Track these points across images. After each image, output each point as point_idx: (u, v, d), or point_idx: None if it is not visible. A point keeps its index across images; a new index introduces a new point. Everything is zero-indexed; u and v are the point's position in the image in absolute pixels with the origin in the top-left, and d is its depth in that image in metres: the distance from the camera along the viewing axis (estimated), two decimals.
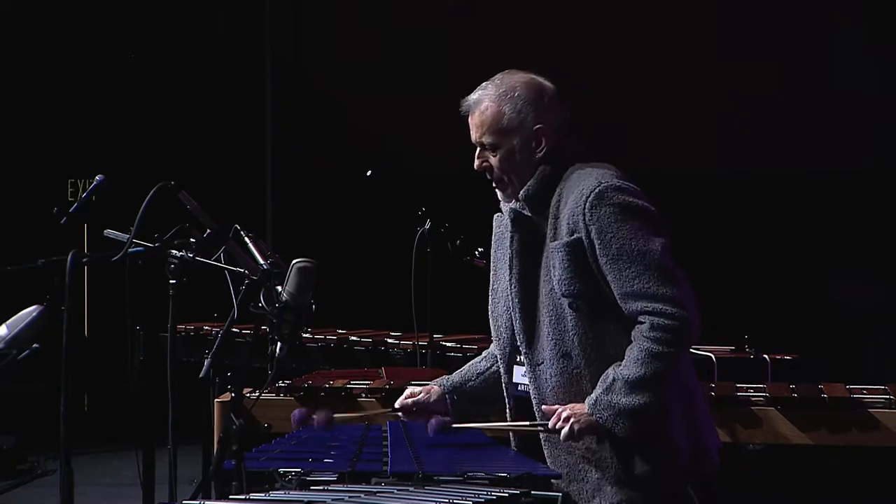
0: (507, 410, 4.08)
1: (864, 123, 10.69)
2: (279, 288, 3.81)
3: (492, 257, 4.08)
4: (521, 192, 3.87)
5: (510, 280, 3.93)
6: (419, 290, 6.57)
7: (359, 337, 7.22)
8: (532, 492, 3.50)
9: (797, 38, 10.64)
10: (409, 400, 4.16)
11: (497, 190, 3.99)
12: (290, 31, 11.61)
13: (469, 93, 4.01)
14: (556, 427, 3.81)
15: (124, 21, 11.09)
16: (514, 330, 3.96)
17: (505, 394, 4.06)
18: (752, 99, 10.60)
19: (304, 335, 6.71)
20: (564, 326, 3.81)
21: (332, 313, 5.94)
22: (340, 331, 7.34)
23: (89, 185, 5.51)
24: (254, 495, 3.42)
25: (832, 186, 10.55)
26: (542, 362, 3.88)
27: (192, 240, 4.39)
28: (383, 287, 7.95)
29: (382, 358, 7.01)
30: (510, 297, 3.94)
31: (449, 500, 3.33)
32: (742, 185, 10.63)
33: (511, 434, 4.10)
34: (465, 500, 3.33)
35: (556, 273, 3.80)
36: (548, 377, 3.88)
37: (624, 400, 3.70)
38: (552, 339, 3.84)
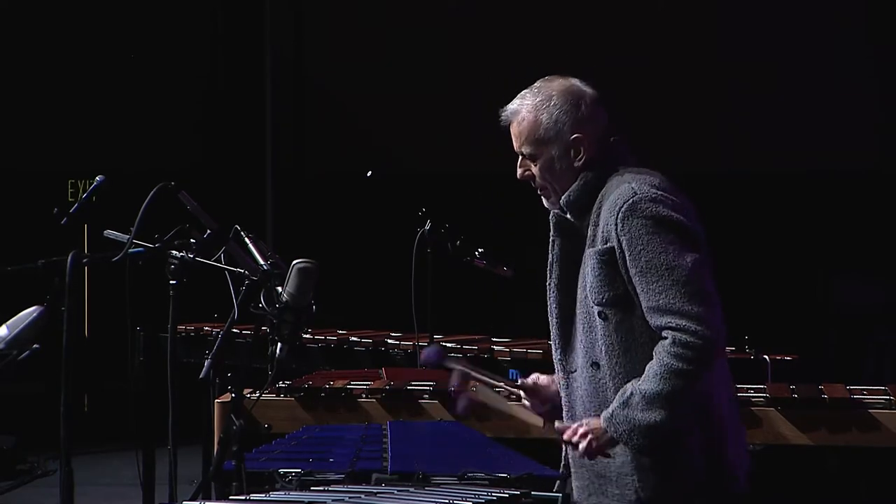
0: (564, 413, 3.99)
1: (865, 123, 10.69)
2: (279, 288, 3.81)
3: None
4: (563, 198, 3.82)
5: (549, 285, 3.89)
6: (419, 291, 6.57)
7: (359, 337, 7.22)
8: (532, 492, 3.50)
9: (797, 38, 10.64)
10: (532, 382, 4.02)
11: (541, 196, 3.91)
12: (290, 31, 11.60)
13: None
14: (574, 442, 3.74)
15: (124, 21, 11.09)
16: None
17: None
18: (752, 99, 10.60)
19: (305, 336, 6.70)
20: (595, 335, 3.77)
21: (332, 314, 5.94)
22: (340, 331, 7.34)
23: (89, 186, 5.51)
24: (254, 496, 3.42)
25: (832, 186, 10.55)
26: (575, 370, 3.84)
27: (192, 240, 4.39)
28: (383, 287, 7.95)
29: (382, 358, 7.00)
30: (548, 302, 3.90)
31: (449, 500, 3.33)
32: (742, 185, 10.62)
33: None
34: (465, 500, 3.33)
35: (589, 281, 3.76)
36: (578, 385, 3.84)
37: (640, 415, 3.64)
38: (584, 348, 3.80)
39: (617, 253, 3.71)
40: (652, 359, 3.67)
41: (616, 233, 3.70)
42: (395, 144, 10.86)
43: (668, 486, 3.73)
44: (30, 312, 4.33)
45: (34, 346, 4.32)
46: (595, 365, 3.77)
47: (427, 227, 6.62)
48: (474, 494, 3.39)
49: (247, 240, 4.19)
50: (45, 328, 4.34)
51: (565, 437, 3.76)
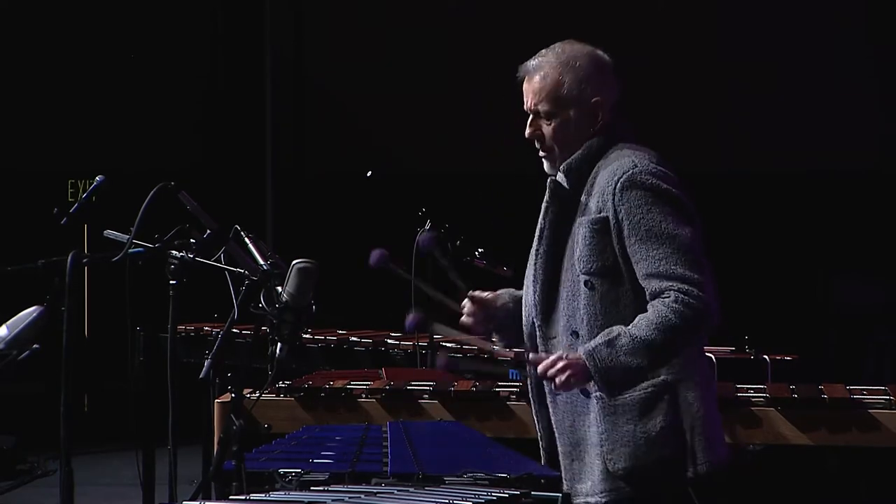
0: (528, 379, 4.02)
1: (865, 123, 10.69)
2: (279, 288, 3.81)
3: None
4: (564, 164, 3.83)
5: (537, 250, 3.90)
6: (419, 291, 6.57)
7: (359, 337, 7.22)
8: (532, 492, 3.50)
9: (797, 38, 10.64)
10: (479, 294, 4.06)
11: (543, 159, 3.91)
12: (290, 31, 11.60)
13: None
14: (550, 374, 3.75)
15: (124, 21, 11.09)
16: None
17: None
18: (752, 99, 10.60)
19: (305, 336, 6.70)
20: (577, 304, 3.79)
21: (332, 314, 5.94)
22: (340, 331, 7.33)
23: (89, 186, 5.51)
24: (254, 496, 3.42)
25: (832, 186, 10.55)
26: (555, 336, 3.86)
27: (192, 240, 4.39)
28: (383, 287, 7.95)
29: (382, 358, 7.00)
30: (534, 266, 3.90)
31: (449, 500, 3.33)
32: (742, 185, 10.63)
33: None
34: (465, 501, 3.33)
35: (578, 249, 3.78)
36: (557, 352, 3.83)
37: (624, 357, 3.67)
38: (566, 315, 3.82)
39: (611, 223, 3.73)
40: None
41: (613, 202, 3.73)
42: (395, 144, 10.86)
43: (636, 461, 3.76)
44: (30, 312, 4.34)
45: (34, 346, 4.33)
46: (574, 334, 3.80)
47: (427, 227, 6.62)
48: (474, 494, 3.39)
49: (247, 240, 4.19)
50: (45, 328, 4.34)
51: (540, 368, 3.78)
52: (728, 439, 5.14)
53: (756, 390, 5.37)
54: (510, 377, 6.64)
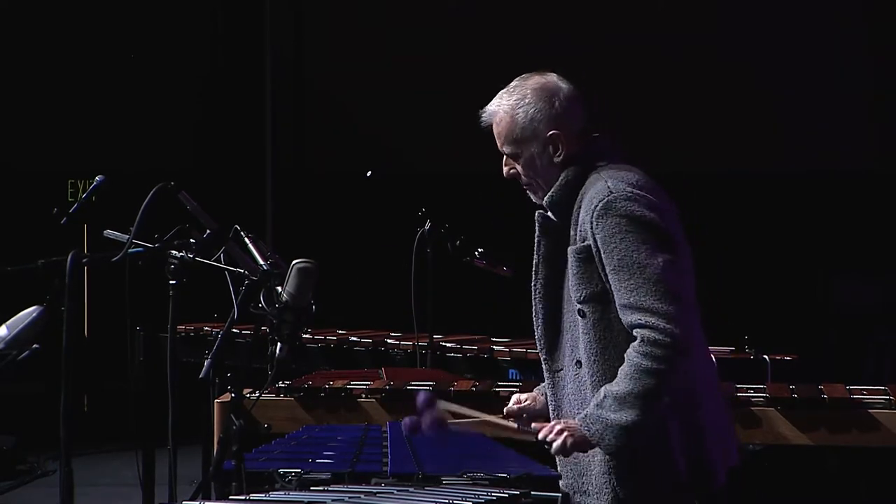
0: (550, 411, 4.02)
1: (864, 124, 10.69)
2: (279, 288, 3.81)
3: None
4: (546, 198, 3.85)
5: (535, 285, 3.91)
6: (419, 291, 6.57)
7: (359, 337, 7.22)
8: (532, 492, 3.50)
9: (797, 38, 10.64)
10: (516, 406, 4.05)
11: (530, 194, 3.94)
12: (290, 31, 11.60)
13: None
14: (549, 439, 3.76)
15: (124, 21, 11.09)
16: None
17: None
18: (752, 99, 10.60)
19: (304, 336, 6.71)
20: (577, 333, 3.80)
21: (332, 313, 5.94)
22: (340, 331, 7.33)
23: (89, 185, 5.51)
24: (254, 496, 3.42)
25: (832, 186, 10.55)
26: (561, 369, 3.86)
27: (192, 240, 4.39)
28: (383, 287, 7.95)
29: (382, 358, 7.00)
30: (533, 302, 3.92)
31: (449, 500, 3.33)
32: (742, 185, 10.63)
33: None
34: (465, 501, 3.33)
35: (570, 279, 3.79)
36: (565, 384, 3.86)
37: (613, 416, 3.65)
38: (569, 346, 3.83)
39: (593, 250, 3.73)
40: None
41: (591, 231, 3.73)
42: (395, 144, 10.86)
43: (646, 486, 3.75)
44: (30, 312, 4.34)
45: (34, 346, 4.33)
46: (578, 363, 3.80)
47: (427, 227, 6.62)
48: (474, 494, 3.39)
49: (246, 240, 4.19)
50: (45, 328, 4.34)
51: (540, 435, 3.78)
52: None
53: (756, 390, 5.37)
54: (510, 377, 6.65)
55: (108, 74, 10.98)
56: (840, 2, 10.81)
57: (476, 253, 6.64)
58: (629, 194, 3.72)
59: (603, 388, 3.71)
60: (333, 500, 3.31)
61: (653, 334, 3.62)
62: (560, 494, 3.70)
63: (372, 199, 9.98)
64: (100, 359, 9.91)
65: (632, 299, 3.66)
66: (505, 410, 4.05)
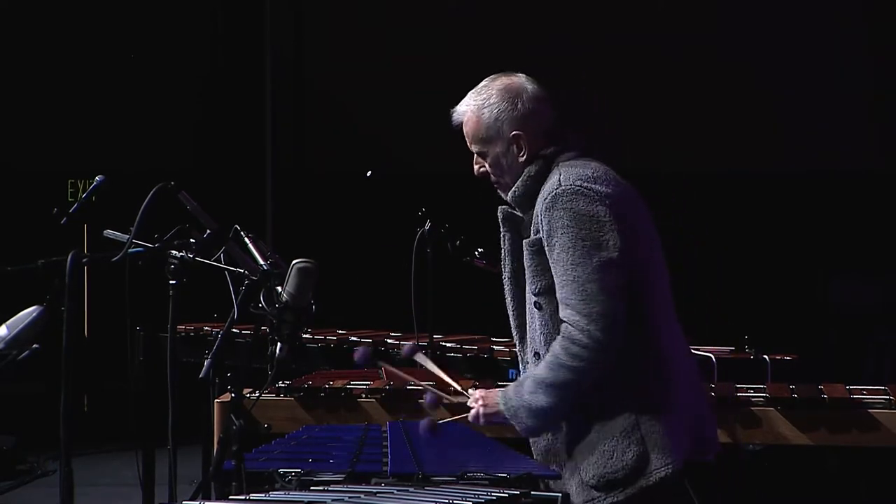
0: None
1: (864, 123, 10.69)
2: (279, 288, 3.81)
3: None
4: (510, 194, 3.95)
5: (503, 279, 4.02)
6: (419, 291, 6.57)
7: (359, 337, 7.22)
8: (532, 492, 3.51)
9: (797, 38, 10.64)
10: None
11: (499, 191, 4.04)
12: (290, 31, 11.60)
13: (462, 95, 4.10)
14: (468, 405, 3.97)
15: (124, 21, 11.09)
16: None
17: None
18: (753, 99, 10.60)
19: (304, 335, 6.71)
20: (535, 325, 3.90)
21: (332, 313, 5.94)
22: (340, 331, 7.33)
23: (89, 185, 5.51)
24: (254, 496, 3.42)
25: (832, 186, 10.55)
26: (528, 361, 3.99)
27: (192, 240, 4.39)
28: (383, 287, 7.95)
29: (382, 358, 6.99)
30: (505, 296, 4.03)
31: (449, 500, 3.33)
32: (742, 185, 10.62)
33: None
34: (465, 501, 3.33)
35: (526, 272, 3.88)
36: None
37: (528, 397, 3.81)
38: (530, 337, 3.96)
39: (544, 242, 3.79)
40: None
41: (540, 222, 3.82)
42: (395, 144, 10.86)
43: (602, 470, 3.85)
44: (30, 312, 4.34)
45: (34, 346, 4.33)
46: (536, 355, 3.93)
47: (427, 227, 6.62)
48: (474, 494, 3.39)
49: (246, 240, 4.19)
50: (45, 328, 4.34)
51: (468, 402, 3.97)
52: (728, 439, 5.16)
53: (756, 390, 5.37)
54: (510, 377, 6.65)
55: (108, 74, 10.98)
56: (840, 2, 10.81)
57: (476, 253, 6.64)
58: (577, 188, 3.79)
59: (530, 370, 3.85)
60: (333, 500, 3.31)
61: (574, 332, 3.74)
62: (560, 494, 3.70)
63: (372, 199, 9.98)
64: (100, 359, 9.91)
65: (562, 294, 3.77)
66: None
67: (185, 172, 10.14)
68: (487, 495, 3.38)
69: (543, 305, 3.84)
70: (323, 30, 11.47)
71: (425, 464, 3.84)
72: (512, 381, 6.33)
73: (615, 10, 10.76)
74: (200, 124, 11.57)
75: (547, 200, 3.80)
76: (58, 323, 4.17)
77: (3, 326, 4.32)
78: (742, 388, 5.35)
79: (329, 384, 5.65)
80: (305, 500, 3.34)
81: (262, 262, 4.01)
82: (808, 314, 10.60)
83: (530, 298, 3.89)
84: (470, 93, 4.03)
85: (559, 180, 3.81)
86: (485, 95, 3.98)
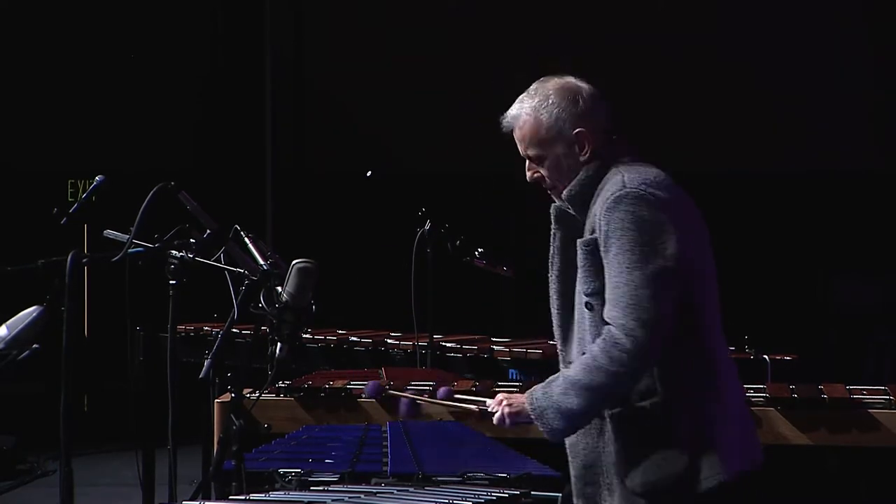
0: None
1: (864, 123, 10.69)
2: (279, 288, 3.81)
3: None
4: (565, 192, 3.85)
5: (550, 277, 3.92)
6: (419, 291, 6.57)
7: (359, 337, 7.22)
8: (532, 492, 3.51)
9: (797, 38, 10.64)
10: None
11: (553, 196, 3.93)
12: (290, 31, 11.60)
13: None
14: (491, 410, 3.83)
15: (124, 21, 11.09)
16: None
17: None
18: (753, 99, 10.60)
19: (304, 335, 6.71)
20: (585, 326, 3.81)
21: (332, 313, 5.94)
22: (340, 331, 7.33)
23: (89, 185, 5.51)
24: (254, 496, 3.42)
25: (832, 186, 10.56)
26: (572, 360, 3.86)
27: (192, 240, 4.39)
28: (383, 287, 7.95)
29: (382, 358, 7.00)
30: (551, 294, 3.93)
31: (449, 500, 3.33)
32: (742, 185, 10.62)
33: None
34: (465, 500, 3.33)
35: (579, 271, 3.80)
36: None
37: (558, 396, 3.69)
38: (578, 337, 3.84)
39: (600, 243, 3.74)
40: None
41: (599, 222, 3.74)
42: (395, 144, 10.86)
43: (649, 478, 3.74)
44: (30, 312, 4.34)
45: (34, 346, 4.33)
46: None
47: (427, 227, 6.62)
48: (474, 494, 3.39)
49: (246, 240, 4.19)
50: (45, 328, 4.34)
51: (490, 408, 3.84)
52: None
53: (756, 390, 5.37)
54: (510, 377, 6.65)
55: (108, 74, 10.98)
56: (840, 2, 10.81)
57: (476, 253, 6.65)
58: (640, 192, 3.73)
59: (561, 370, 3.76)
60: (333, 500, 3.31)
61: (618, 335, 3.65)
62: (560, 494, 3.70)
63: (372, 199, 9.98)
64: (100, 359, 9.91)
65: (611, 295, 3.68)
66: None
67: (185, 172, 10.13)
68: (487, 495, 3.38)
69: (595, 306, 3.75)
70: (323, 30, 11.47)
71: (425, 464, 3.84)
72: (512, 380, 6.34)
73: (615, 10, 10.76)
74: (200, 124, 11.57)
75: (609, 201, 3.72)
76: (58, 323, 4.17)
77: (3, 326, 4.32)
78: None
79: (329, 384, 5.65)
80: (305, 500, 3.34)
81: (262, 262, 4.01)
82: (809, 314, 10.60)
83: (581, 299, 3.80)
84: (521, 97, 3.90)
85: (623, 182, 3.74)
86: (541, 96, 3.86)
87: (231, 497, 3.51)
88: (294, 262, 3.81)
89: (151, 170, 9.25)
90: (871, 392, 5.31)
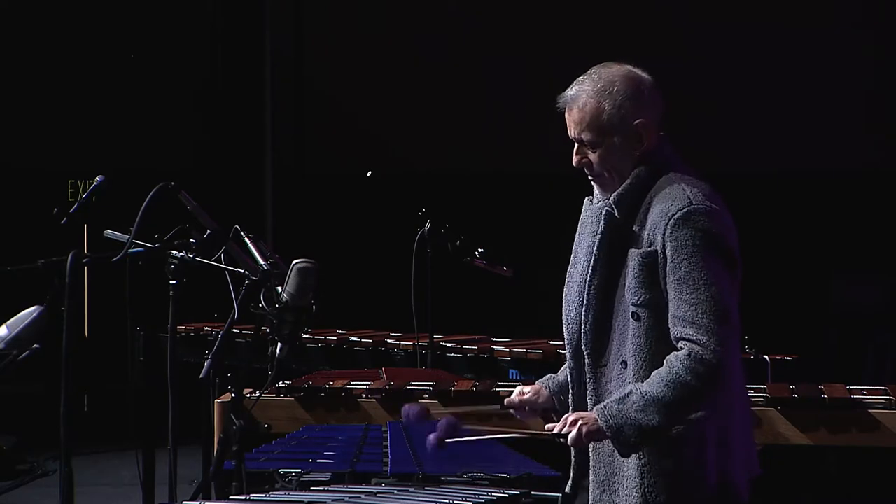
0: (570, 395, 3.94)
1: (863, 123, 10.69)
2: (279, 288, 3.81)
3: (575, 240, 3.94)
4: (614, 195, 3.78)
5: (588, 278, 3.83)
6: (419, 291, 6.57)
7: (359, 337, 7.22)
8: (532, 492, 3.51)
9: (796, 38, 10.64)
10: (518, 398, 4.02)
11: (595, 185, 3.87)
12: (290, 31, 11.60)
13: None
14: (564, 432, 3.72)
15: (124, 21, 11.09)
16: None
17: (569, 378, 3.94)
18: (753, 99, 10.60)
19: (305, 335, 6.71)
20: (627, 334, 3.76)
21: (332, 313, 5.94)
22: (340, 331, 7.34)
23: (89, 185, 5.52)
24: (254, 495, 3.42)
25: (833, 186, 10.55)
26: (606, 364, 3.81)
27: (192, 240, 4.39)
28: (383, 287, 7.95)
29: (382, 358, 7.01)
30: (585, 295, 3.84)
31: (449, 500, 3.33)
32: (742, 185, 10.61)
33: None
34: (465, 501, 3.33)
35: (628, 280, 3.74)
36: (608, 380, 3.80)
37: (635, 414, 3.63)
38: (617, 344, 3.78)
39: (659, 257, 3.69)
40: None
41: (663, 237, 3.68)
42: (395, 144, 10.86)
43: (677, 493, 3.71)
44: (30, 312, 4.34)
45: (34, 346, 4.33)
46: (624, 363, 3.75)
47: (427, 227, 6.62)
48: (474, 494, 3.39)
49: (246, 240, 4.19)
50: (45, 328, 4.34)
51: (556, 429, 3.74)
52: None
53: (756, 390, 5.37)
54: (510, 377, 6.65)
55: (108, 74, 10.98)
56: (840, 2, 10.81)
57: (476, 253, 6.65)
58: (707, 209, 3.71)
59: (632, 385, 3.68)
60: (333, 500, 3.31)
61: (702, 352, 3.61)
62: (560, 494, 3.70)
63: (372, 199, 9.98)
64: (100, 359, 9.91)
65: (688, 313, 3.64)
66: (506, 401, 4.03)
67: (185, 172, 10.13)
68: (487, 495, 3.38)
69: (642, 317, 3.70)
70: (323, 30, 11.47)
71: (425, 464, 3.84)
72: (512, 381, 6.34)
73: (615, 10, 10.76)
74: (200, 124, 11.57)
75: (676, 216, 3.68)
76: (58, 323, 4.17)
77: (4, 326, 4.32)
78: None
79: (329, 384, 5.65)
80: (305, 500, 3.34)
81: (262, 262, 4.01)
82: (808, 314, 10.60)
83: (628, 308, 3.73)
84: (581, 78, 3.81)
85: (688, 196, 3.71)
86: (606, 81, 3.79)
87: (231, 497, 3.51)
88: (294, 262, 3.81)
89: (151, 170, 9.24)
90: (871, 392, 5.31)
